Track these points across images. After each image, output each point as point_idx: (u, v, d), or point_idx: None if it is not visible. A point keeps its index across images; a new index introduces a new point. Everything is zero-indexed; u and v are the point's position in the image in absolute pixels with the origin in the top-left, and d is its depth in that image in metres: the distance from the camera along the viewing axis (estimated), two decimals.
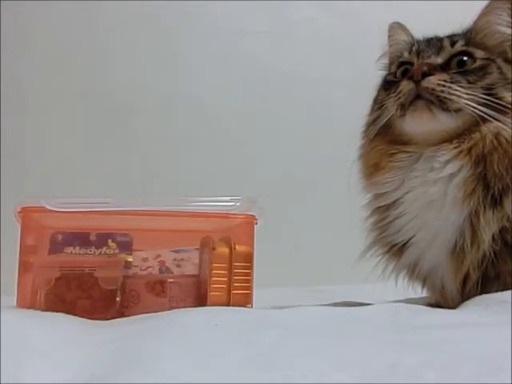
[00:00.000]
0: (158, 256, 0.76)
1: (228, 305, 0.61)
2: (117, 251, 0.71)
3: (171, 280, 0.63)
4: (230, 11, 1.33)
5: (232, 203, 0.63)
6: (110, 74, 1.30)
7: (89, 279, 0.60)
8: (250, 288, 0.64)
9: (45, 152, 1.28)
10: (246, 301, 0.63)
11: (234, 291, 0.61)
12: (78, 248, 0.72)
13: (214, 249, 0.62)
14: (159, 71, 1.29)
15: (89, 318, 0.54)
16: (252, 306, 0.64)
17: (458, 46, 0.61)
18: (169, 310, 0.55)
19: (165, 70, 1.29)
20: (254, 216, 0.66)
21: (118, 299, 0.62)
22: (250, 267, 0.64)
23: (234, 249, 0.62)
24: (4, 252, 0.80)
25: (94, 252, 0.72)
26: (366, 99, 0.98)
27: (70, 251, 0.71)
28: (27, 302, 0.61)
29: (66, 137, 1.30)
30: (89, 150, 1.30)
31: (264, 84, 1.35)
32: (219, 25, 1.33)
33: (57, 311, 0.57)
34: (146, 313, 0.53)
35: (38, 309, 0.60)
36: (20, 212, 0.62)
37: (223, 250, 0.62)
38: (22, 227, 0.63)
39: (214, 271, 0.61)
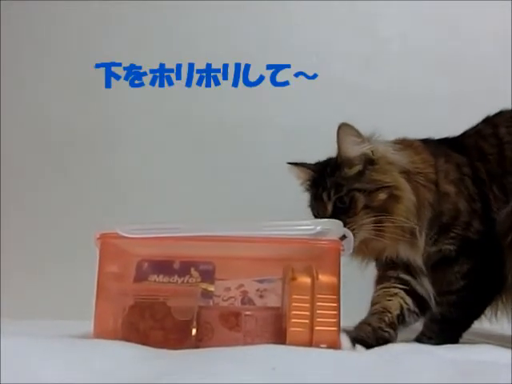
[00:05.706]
0: (241, 286, 0.71)
1: (310, 344, 0.54)
2: (199, 280, 0.68)
3: (247, 313, 0.58)
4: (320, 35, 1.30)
5: (311, 226, 0.56)
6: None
7: (162, 308, 0.57)
8: (336, 324, 0.56)
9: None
10: (332, 340, 0.55)
11: (318, 327, 0.54)
12: (161, 276, 0.70)
13: (293, 279, 0.55)
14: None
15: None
16: (340, 347, 0.56)
17: None
18: (243, 345, 0.49)
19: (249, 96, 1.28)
20: (339, 241, 0.59)
21: (193, 332, 0.58)
22: (337, 300, 0.57)
23: (317, 279, 0.55)
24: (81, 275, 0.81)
25: (177, 281, 0.70)
26: (468, 116, 0.86)
27: (153, 279, 0.70)
28: (105, 328, 0.60)
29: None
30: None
31: (356, 106, 1.28)
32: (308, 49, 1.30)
33: (131, 341, 0.54)
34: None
35: (117, 337, 0.58)
36: (98, 238, 0.62)
37: (304, 280, 0.55)
38: (100, 253, 0.62)
39: (294, 304, 0.54)
